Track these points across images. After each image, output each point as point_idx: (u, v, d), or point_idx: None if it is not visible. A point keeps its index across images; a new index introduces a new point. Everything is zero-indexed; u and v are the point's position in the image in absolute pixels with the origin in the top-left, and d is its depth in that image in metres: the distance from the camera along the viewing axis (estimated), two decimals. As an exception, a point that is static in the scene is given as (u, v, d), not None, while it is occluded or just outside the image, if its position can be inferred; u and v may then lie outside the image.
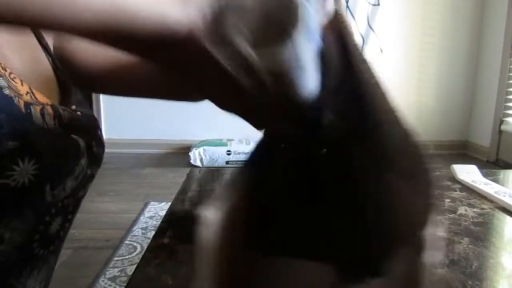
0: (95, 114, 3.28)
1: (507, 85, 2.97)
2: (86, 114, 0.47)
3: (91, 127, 0.47)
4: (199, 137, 3.16)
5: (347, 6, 3.14)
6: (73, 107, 0.46)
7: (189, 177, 0.75)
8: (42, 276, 0.44)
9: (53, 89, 0.47)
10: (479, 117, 3.32)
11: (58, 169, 0.39)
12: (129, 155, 3.20)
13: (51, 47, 0.50)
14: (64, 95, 0.47)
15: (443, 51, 3.34)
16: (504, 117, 3.01)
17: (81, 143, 0.42)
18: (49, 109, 0.38)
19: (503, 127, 3.00)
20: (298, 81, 0.23)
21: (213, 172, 0.79)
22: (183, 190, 0.67)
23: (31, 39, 0.47)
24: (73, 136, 0.41)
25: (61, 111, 0.40)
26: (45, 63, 0.47)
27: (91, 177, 0.47)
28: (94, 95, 3.29)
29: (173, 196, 0.64)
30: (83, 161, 0.43)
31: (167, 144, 3.33)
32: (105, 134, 3.40)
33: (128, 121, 3.31)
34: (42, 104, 0.38)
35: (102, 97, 3.29)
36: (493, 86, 3.09)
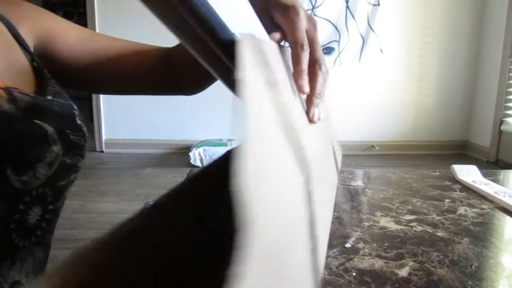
0: (95, 114, 3.29)
1: (507, 85, 2.97)
2: (61, 103, 0.47)
3: (66, 115, 0.46)
4: (199, 137, 3.16)
5: (347, 6, 3.14)
6: (49, 97, 0.46)
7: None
8: (28, 268, 0.43)
9: (28, 82, 0.47)
10: (479, 117, 3.32)
11: (18, 153, 0.38)
12: (129, 155, 3.20)
13: (30, 45, 0.51)
14: (40, 88, 0.47)
15: (443, 51, 3.34)
16: (504, 117, 3.01)
17: (49, 129, 0.42)
18: (1, 92, 0.38)
19: (503, 127, 3.00)
20: None
21: (213, 172, 0.79)
22: (183, 190, 0.66)
23: (5, 35, 0.47)
24: (37, 121, 0.41)
25: (16, 94, 0.40)
26: (21, 59, 0.48)
27: (73, 167, 0.46)
28: (94, 96, 3.29)
29: (173, 196, 0.64)
30: (56, 149, 0.42)
31: (167, 144, 3.33)
32: (105, 134, 3.40)
33: (128, 121, 3.31)
34: None
35: (102, 97, 3.29)
36: (493, 86, 3.10)
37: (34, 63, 0.49)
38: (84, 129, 0.49)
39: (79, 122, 0.48)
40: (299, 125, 0.29)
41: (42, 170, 0.40)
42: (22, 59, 0.48)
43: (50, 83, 0.48)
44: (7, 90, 0.39)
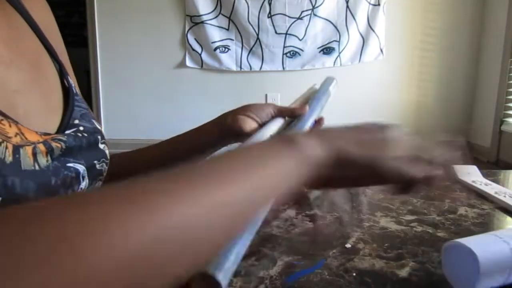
0: (95, 114, 3.28)
1: (507, 86, 2.97)
2: (88, 131, 0.45)
3: (92, 144, 0.45)
4: (199, 137, 3.16)
5: (347, 6, 3.14)
6: (76, 121, 0.45)
7: (189, 177, 0.75)
8: None
9: (57, 102, 0.45)
10: (479, 117, 3.32)
11: None
12: (129, 155, 3.20)
13: (57, 50, 0.48)
14: (67, 109, 0.45)
15: (443, 51, 3.34)
16: (504, 117, 3.00)
17: (81, 168, 0.41)
18: (41, 147, 0.37)
19: (503, 127, 3.00)
20: None
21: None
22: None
23: (33, 42, 0.44)
24: (70, 164, 0.40)
25: (53, 145, 0.38)
26: (49, 71, 0.45)
27: None
28: (94, 95, 3.29)
29: (173, 196, 0.64)
30: (84, 184, 0.41)
31: (167, 144, 3.33)
32: (105, 134, 3.38)
33: (128, 121, 3.31)
34: (33, 143, 0.36)
35: (102, 97, 3.29)
36: (493, 87, 3.09)
37: (61, 72, 0.47)
38: (107, 151, 0.48)
39: (102, 146, 0.47)
40: None
41: None
42: (50, 71, 0.46)
43: (76, 100, 0.46)
44: (46, 144, 0.38)
